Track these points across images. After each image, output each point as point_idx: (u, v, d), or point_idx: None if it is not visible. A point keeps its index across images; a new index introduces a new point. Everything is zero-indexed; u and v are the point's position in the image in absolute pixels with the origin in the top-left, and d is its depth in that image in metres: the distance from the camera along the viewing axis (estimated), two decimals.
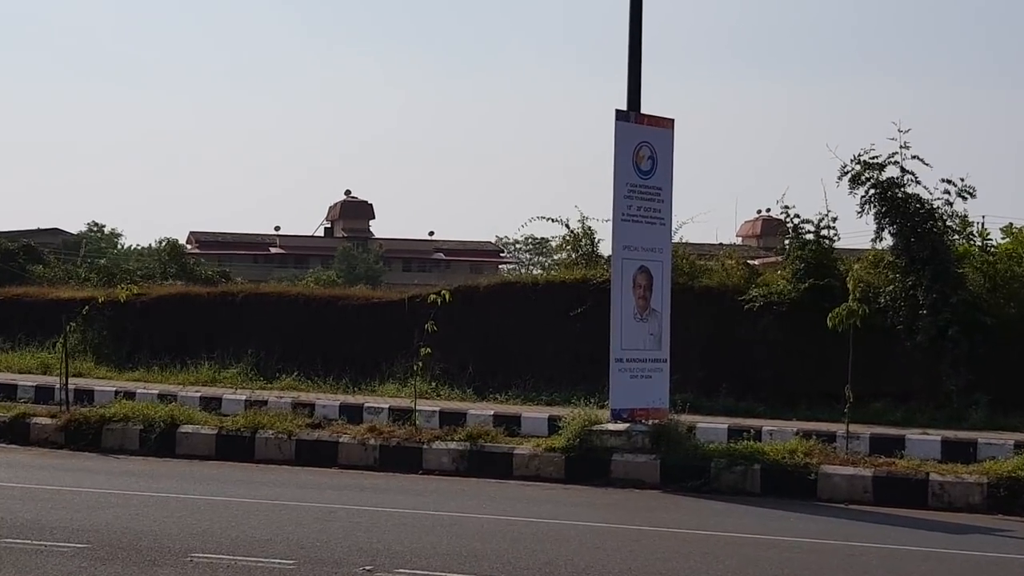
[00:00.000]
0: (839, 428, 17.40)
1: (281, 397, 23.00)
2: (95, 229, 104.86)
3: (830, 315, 16.60)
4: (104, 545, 10.10)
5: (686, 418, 17.70)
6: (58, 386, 19.71)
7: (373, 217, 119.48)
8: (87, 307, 21.10)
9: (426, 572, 9.56)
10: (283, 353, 27.82)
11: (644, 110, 16.84)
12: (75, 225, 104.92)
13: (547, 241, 79.01)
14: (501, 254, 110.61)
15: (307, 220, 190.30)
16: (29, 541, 10.07)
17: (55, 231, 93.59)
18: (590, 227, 27.79)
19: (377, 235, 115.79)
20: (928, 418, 20.87)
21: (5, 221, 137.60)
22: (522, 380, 24.45)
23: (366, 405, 22.18)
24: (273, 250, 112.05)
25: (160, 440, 17.18)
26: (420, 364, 18.63)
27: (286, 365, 27.27)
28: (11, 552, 9.65)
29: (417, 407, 18.87)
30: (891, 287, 22.57)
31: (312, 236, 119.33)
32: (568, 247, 28.99)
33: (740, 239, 79.26)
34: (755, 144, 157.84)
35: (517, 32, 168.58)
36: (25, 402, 21.29)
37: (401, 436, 16.81)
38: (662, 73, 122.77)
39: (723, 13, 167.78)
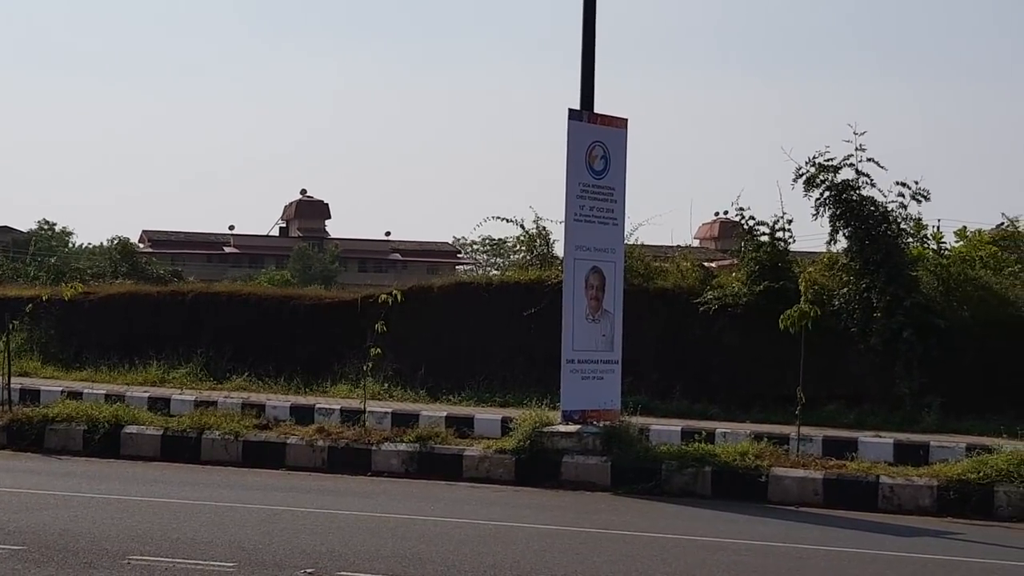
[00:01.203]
0: (791, 431, 17.42)
1: (231, 397, 22.82)
2: (46, 227, 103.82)
3: (782, 316, 16.60)
4: (40, 547, 9.95)
5: (639, 420, 17.66)
6: (1, 385, 19.47)
7: (329, 217, 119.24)
8: (31, 305, 20.83)
9: (368, 575, 9.47)
10: (234, 353, 27.63)
11: (598, 109, 16.82)
12: (25, 223, 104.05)
13: (503, 242, 78.97)
14: (458, 255, 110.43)
15: (262, 220, 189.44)
16: None
17: (5, 229, 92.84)
18: (544, 227, 27.75)
19: (333, 235, 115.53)
20: (881, 420, 20.97)
21: None
22: (476, 381, 24.41)
23: (317, 406, 22.04)
24: (227, 249, 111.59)
25: (104, 441, 17.01)
26: (371, 365, 18.52)
27: (237, 365, 27.09)
28: None
29: (369, 408, 18.79)
30: (845, 289, 22.67)
31: (267, 236, 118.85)
32: (523, 248, 28.95)
33: (697, 241, 79.36)
34: (712, 146, 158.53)
35: (474, 30, 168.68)
36: None
37: (350, 437, 16.71)
38: (617, 72, 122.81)
39: (680, 11, 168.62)
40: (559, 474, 15.47)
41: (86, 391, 23.60)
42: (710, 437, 17.62)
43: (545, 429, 15.97)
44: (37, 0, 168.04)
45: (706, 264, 27.99)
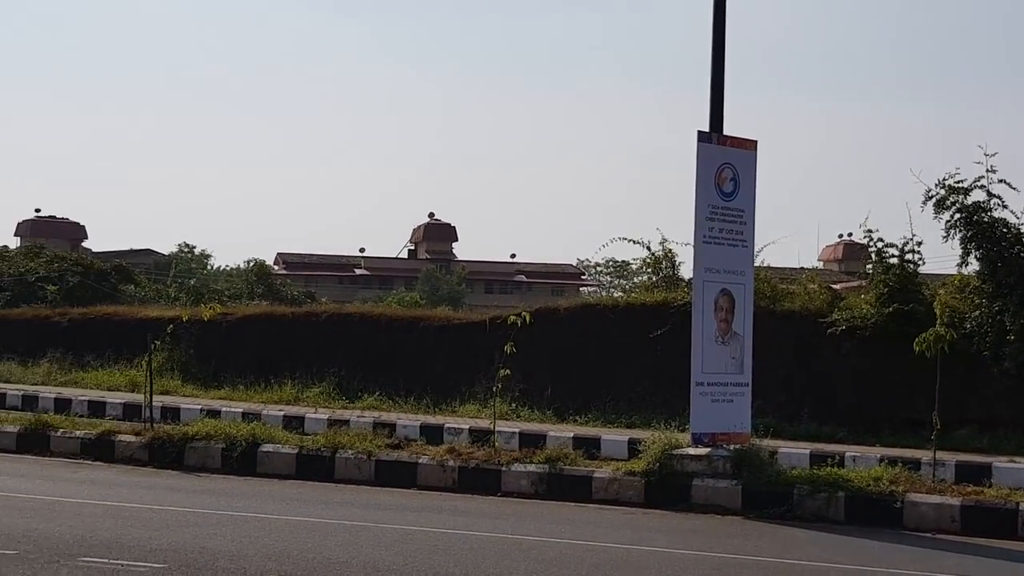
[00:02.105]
0: (923, 455, 16.86)
1: (363, 417, 22.86)
2: (186, 250, 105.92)
3: (917, 340, 16.08)
4: (181, 565, 9.91)
5: (767, 443, 17.22)
6: (144, 404, 19.68)
7: (456, 239, 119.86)
8: (173, 326, 21.07)
9: None
10: (365, 373, 27.74)
11: (726, 131, 16.46)
12: (167, 246, 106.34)
13: (627, 264, 78.60)
14: (582, 276, 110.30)
15: (391, 242, 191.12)
16: (107, 560, 9.92)
17: (147, 252, 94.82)
18: (670, 249, 27.48)
19: (460, 257, 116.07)
20: (1015, 445, 20.21)
21: (100, 242, 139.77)
22: (602, 402, 24.15)
23: (446, 426, 21.97)
24: (358, 271, 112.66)
25: (241, 459, 17.03)
26: (500, 385, 18.38)
27: (368, 385, 27.20)
28: (89, 571, 9.51)
29: (497, 428, 18.59)
30: (977, 312, 21.90)
31: (396, 258, 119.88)
32: (648, 269, 28.67)
33: (822, 263, 78.25)
34: (838, 167, 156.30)
35: (600, 53, 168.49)
36: (113, 419, 21.29)
37: (480, 458, 16.53)
38: (745, 94, 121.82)
39: (807, 34, 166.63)
40: (689, 497, 15.09)
41: (224, 409, 23.83)
42: (840, 461, 17.12)
43: (674, 452, 15.61)
44: (172, 29, 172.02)
45: (833, 286, 27.36)
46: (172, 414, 23.05)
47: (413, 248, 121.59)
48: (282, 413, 23.52)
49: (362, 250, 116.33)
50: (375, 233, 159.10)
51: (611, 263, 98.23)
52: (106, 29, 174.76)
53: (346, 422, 21.77)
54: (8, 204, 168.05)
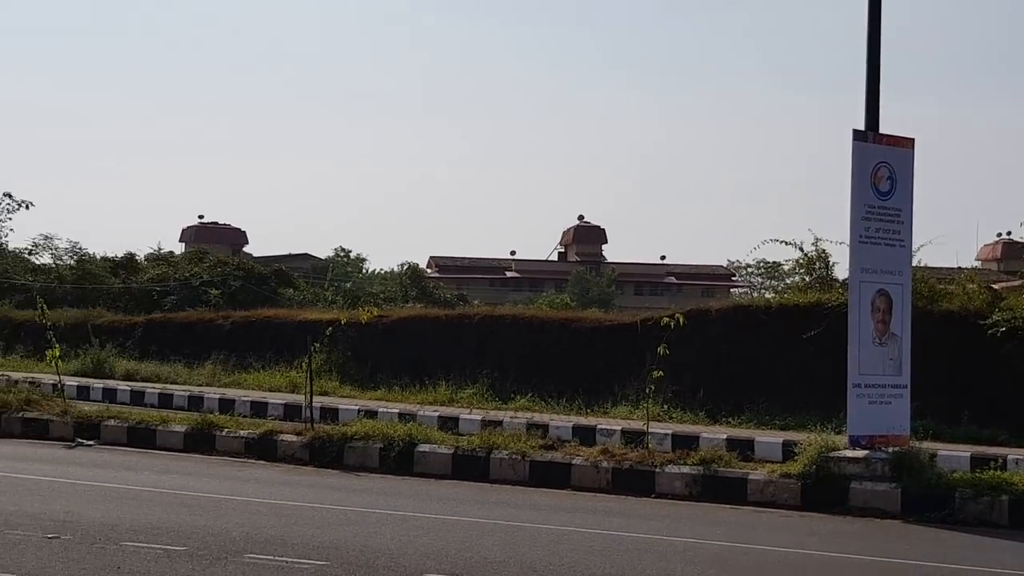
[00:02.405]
0: None
1: (516, 417, 22.93)
2: (342, 254, 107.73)
3: None
4: (342, 563, 10.04)
5: (927, 446, 16.75)
6: (304, 404, 20.03)
7: (606, 241, 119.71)
8: (331, 328, 21.41)
9: None
10: (518, 374, 27.85)
11: (881, 130, 16.10)
12: (324, 250, 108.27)
13: (779, 265, 77.57)
14: (733, 278, 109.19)
15: (542, 245, 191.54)
16: (272, 557, 10.10)
17: (305, 256, 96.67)
18: (824, 249, 27.02)
19: (609, 259, 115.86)
20: None
21: (260, 247, 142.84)
22: (755, 404, 23.85)
23: (599, 427, 21.91)
24: (509, 274, 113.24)
25: (399, 458, 17.20)
26: (652, 387, 18.28)
27: (521, 386, 27.29)
28: (255, 568, 9.69)
29: (649, 430, 18.48)
30: None
31: (546, 260, 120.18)
32: (801, 270, 28.25)
33: (980, 263, 76.20)
34: (996, 166, 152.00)
35: (749, 53, 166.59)
36: (274, 419, 21.72)
37: (634, 459, 16.43)
38: (900, 94, 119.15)
39: (963, 30, 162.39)
40: (846, 500, 14.78)
41: (381, 410, 24.13)
42: (1002, 464, 16.62)
43: (831, 454, 15.32)
44: (322, 31, 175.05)
45: (992, 286, 26.58)
46: (331, 414, 23.42)
47: (563, 250, 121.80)
48: (437, 414, 23.72)
49: (513, 253, 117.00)
50: (526, 236, 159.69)
51: (762, 264, 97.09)
52: (263, 33, 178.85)
53: (500, 423, 21.87)
54: (174, 211, 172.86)
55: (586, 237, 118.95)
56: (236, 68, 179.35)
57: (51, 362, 21.94)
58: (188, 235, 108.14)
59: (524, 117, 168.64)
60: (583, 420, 23.21)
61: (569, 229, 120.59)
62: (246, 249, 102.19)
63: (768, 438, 20.37)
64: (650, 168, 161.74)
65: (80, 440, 19.35)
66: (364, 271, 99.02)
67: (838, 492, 14.89)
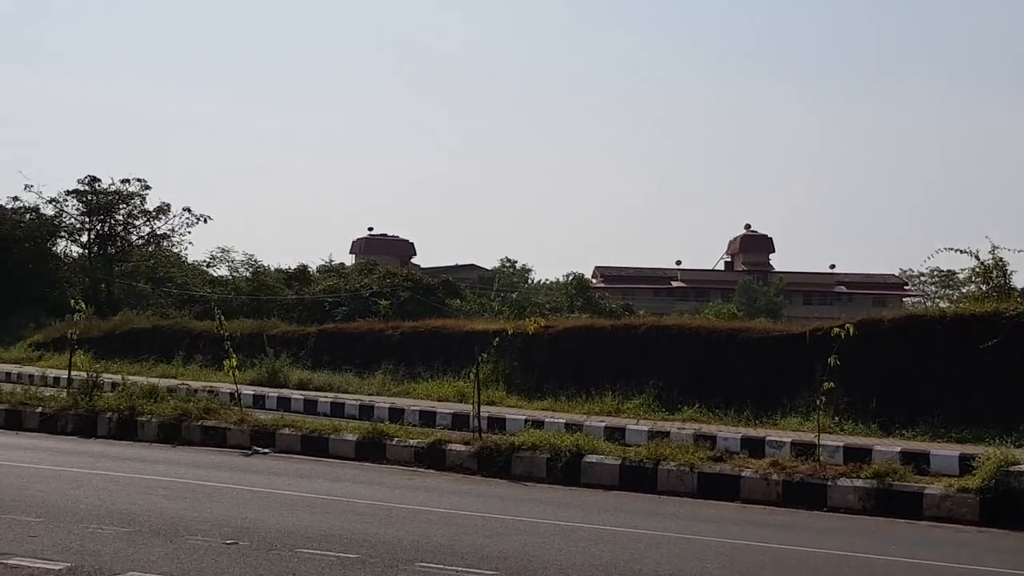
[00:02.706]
0: None
1: (683, 428, 22.71)
2: (508, 265, 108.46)
3: None
4: (511, 572, 10.05)
5: None
6: (472, 414, 20.16)
7: (773, 250, 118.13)
8: (498, 339, 21.55)
9: None
10: (684, 385, 27.62)
11: None
12: (490, 261, 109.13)
13: (954, 273, 75.46)
14: (905, 287, 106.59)
15: (708, 254, 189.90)
16: (441, 566, 10.16)
17: (472, 267, 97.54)
18: (1001, 258, 26.18)
19: (777, 268, 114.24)
20: None
21: (428, 258, 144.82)
22: (929, 416, 23.18)
23: (768, 438, 21.57)
24: (674, 284, 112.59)
25: (566, 469, 17.19)
26: (823, 398, 17.92)
27: (687, 397, 27.05)
28: None
29: (821, 442, 18.12)
30: None
31: (712, 270, 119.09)
32: (978, 279, 27.42)
33: None
34: None
35: (920, 56, 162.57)
36: (443, 428, 21.91)
37: (804, 472, 16.13)
38: None
39: None
40: None
41: (547, 420, 24.16)
42: None
43: (1012, 468, 14.80)
44: (491, 52, 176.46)
45: None
46: (498, 424, 23.53)
47: (730, 260, 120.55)
48: (603, 424, 23.63)
49: (678, 262, 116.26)
50: (691, 246, 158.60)
51: (936, 273, 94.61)
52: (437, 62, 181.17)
53: (666, 434, 21.69)
54: (344, 223, 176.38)
55: (753, 246, 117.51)
56: (405, 81, 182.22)
57: (228, 372, 22.54)
58: (358, 247, 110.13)
59: (690, 126, 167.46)
60: (752, 432, 22.87)
61: (736, 238, 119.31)
62: (414, 260, 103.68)
63: (944, 451, 19.76)
64: (819, 176, 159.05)
65: (256, 448, 19.82)
66: (530, 281, 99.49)
67: (1019, 508, 14.37)
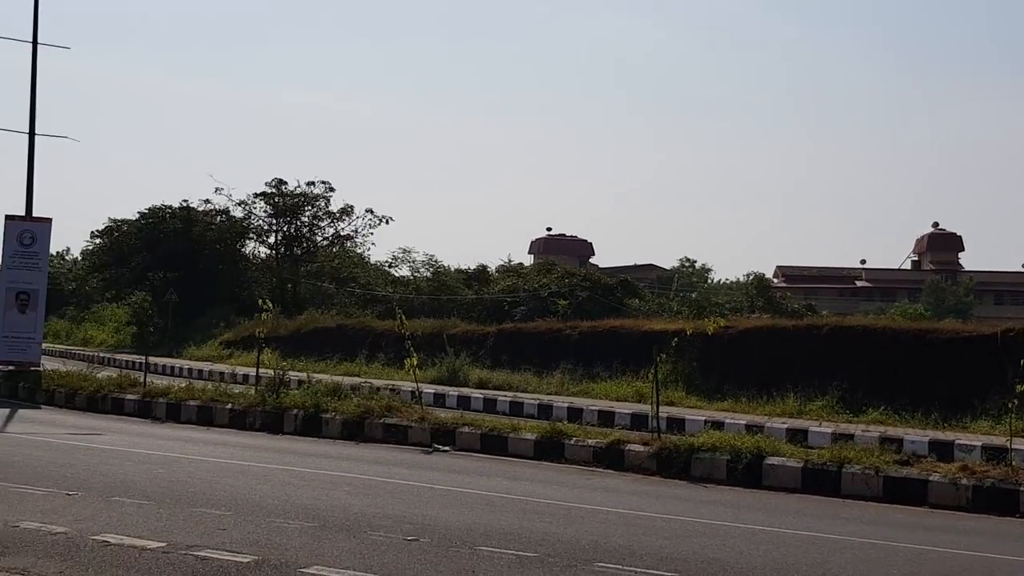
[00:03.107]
0: None
1: (868, 431, 22.22)
2: (687, 265, 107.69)
3: None
4: (692, 575, 9.95)
5: None
6: (650, 414, 20.07)
7: (962, 249, 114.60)
8: (677, 339, 21.37)
9: None
10: (869, 386, 27.03)
11: None
12: (669, 261, 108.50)
13: None
14: None
15: (894, 253, 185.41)
16: (620, 567, 10.10)
17: (650, 267, 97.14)
18: None
19: (967, 267, 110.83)
20: None
21: (606, 258, 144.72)
22: None
23: (957, 442, 20.94)
24: (858, 283, 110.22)
25: (746, 471, 16.95)
26: (1016, 401, 17.27)
27: (872, 398, 26.47)
28: None
29: (1013, 446, 17.48)
30: None
31: (899, 269, 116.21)
32: None
33: None
34: None
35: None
36: (621, 428, 21.85)
37: (996, 476, 15.58)
38: None
39: None
40: None
41: (727, 421, 23.92)
42: None
43: None
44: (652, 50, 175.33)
45: None
46: (677, 425, 23.37)
47: (916, 259, 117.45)
48: (785, 426, 23.27)
49: (863, 262, 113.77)
50: (877, 244, 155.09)
51: None
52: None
53: (851, 436, 21.24)
54: (523, 224, 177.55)
55: (941, 244, 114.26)
56: (578, 80, 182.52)
57: (409, 370, 22.91)
58: (536, 247, 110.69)
59: (875, 121, 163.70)
60: (940, 435, 22.25)
61: (923, 236, 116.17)
62: (592, 260, 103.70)
63: None
64: (1012, 171, 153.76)
65: (436, 446, 20.06)
66: (709, 281, 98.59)
67: None
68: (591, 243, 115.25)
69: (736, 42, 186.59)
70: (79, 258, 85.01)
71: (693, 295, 58.09)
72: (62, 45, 32.73)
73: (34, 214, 33.36)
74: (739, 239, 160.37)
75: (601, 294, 50.37)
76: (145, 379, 27.83)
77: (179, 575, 9.16)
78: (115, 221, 72.17)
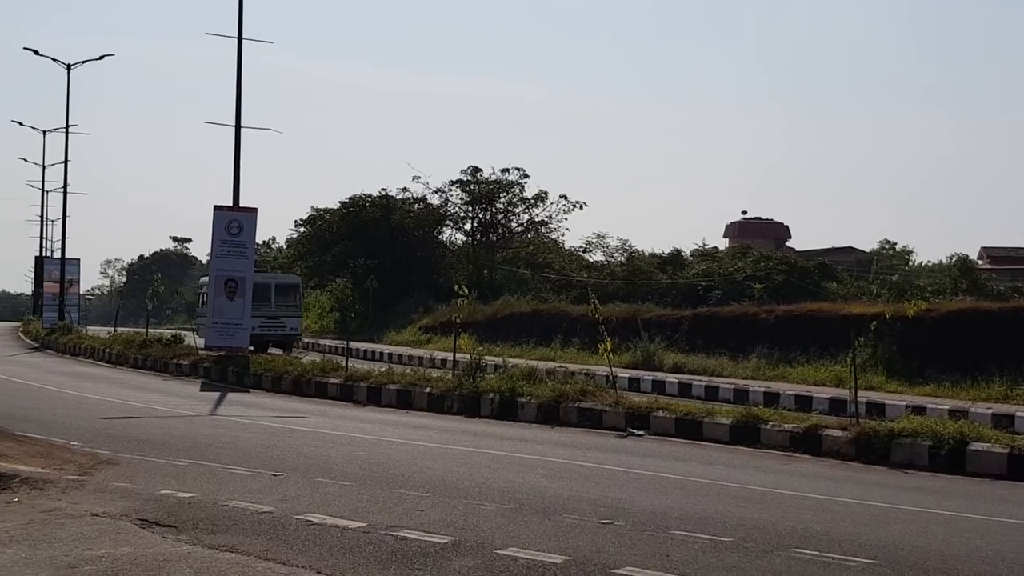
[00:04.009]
0: None
1: None
2: (887, 247, 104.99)
3: None
4: (890, 562, 9.71)
5: None
6: (849, 399, 19.65)
7: None
8: (875, 322, 20.86)
9: None
10: None
11: None
12: (868, 243, 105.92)
13: None
14: None
15: None
16: (818, 553, 9.93)
17: (849, 249, 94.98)
18: None
19: None
20: None
21: (803, 241, 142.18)
22: None
23: None
24: None
25: (949, 457, 16.43)
26: None
27: None
28: (801, 563, 9.56)
29: None
30: None
31: None
32: None
33: None
34: None
35: None
36: (818, 414, 21.47)
37: None
38: None
39: None
40: None
41: (929, 406, 23.29)
42: None
43: None
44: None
45: None
46: (877, 410, 22.85)
47: None
48: (990, 411, 22.54)
49: None
50: None
51: None
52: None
53: None
54: (717, 207, 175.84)
55: None
56: (776, 61, 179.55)
57: (603, 355, 22.93)
58: (731, 231, 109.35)
59: None
60: None
61: None
62: (789, 243, 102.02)
63: None
64: None
65: (631, 430, 20.04)
66: (910, 264, 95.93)
67: None
68: (787, 226, 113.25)
69: (939, 21, 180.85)
70: (284, 246, 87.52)
71: (893, 278, 56.46)
72: (265, 40, 33.35)
73: (241, 204, 34.43)
74: (942, 220, 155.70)
75: (798, 277, 49.44)
76: (347, 363, 28.52)
77: (379, 554, 9.37)
78: (318, 210, 74.11)
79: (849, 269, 61.09)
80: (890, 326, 26.03)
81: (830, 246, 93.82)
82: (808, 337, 33.42)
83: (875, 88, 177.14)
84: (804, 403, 25.15)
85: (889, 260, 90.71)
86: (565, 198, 69.07)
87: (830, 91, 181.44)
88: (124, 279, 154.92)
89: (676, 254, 61.16)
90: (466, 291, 26.08)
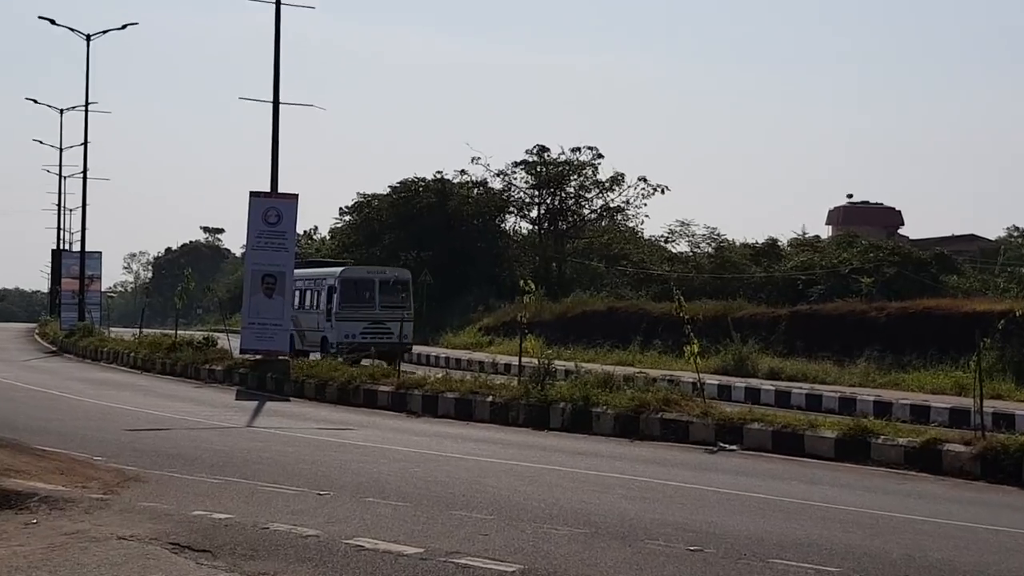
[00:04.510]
0: None
1: None
2: (1016, 235, 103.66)
3: None
4: None
5: None
6: (973, 409, 19.46)
7: None
8: (1003, 321, 20.63)
9: None
10: None
11: None
12: (994, 231, 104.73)
13: None
14: None
15: None
16: None
17: (971, 238, 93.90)
18: None
19: None
20: None
21: (918, 228, 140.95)
22: None
23: None
24: None
25: None
26: None
27: None
28: None
29: None
30: None
31: None
32: None
33: None
34: None
35: None
36: (937, 425, 21.27)
37: None
38: None
39: None
40: None
41: None
42: None
43: None
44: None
45: None
46: (1005, 421, 22.62)
47: None
48: None
49: None
50: None
51: None
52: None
53: None
54: (820, 191, 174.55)
55: None
56: (887, 38, 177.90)
57: (689, 359, 22.83)
58: (835, 217, 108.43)
59: None
60: None
61: None
62: (901, 231, 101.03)
63: None
64: None
65: (721, 444, 19.97)
66: None
67: None
68: (900, 211, 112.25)
69: None
70: (327, 237, 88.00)
71: (1023, 270, 55.86)
72: (306, 5, 33.46)
73: (279, 190, 34.53)
74: None
75: (912, 270, 49.00)
76: (399, 369, 28.65)
77: None
78: (365, 196, 74.51)
79: (972, 260, 60.41)
80: (1020, 325, 25.73)
81: (950, 234, 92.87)
82: (925, 338, 33.14)
83: (997, 56, 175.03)
84: (921, 414, 24.95)
85: (1018, 250, 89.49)
86: (644, 180, 69.04)
87: (948, 60, 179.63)
88: (150, 274, 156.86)
89: (772, 244, 60.82)
90: (532, 287, 26.09)
